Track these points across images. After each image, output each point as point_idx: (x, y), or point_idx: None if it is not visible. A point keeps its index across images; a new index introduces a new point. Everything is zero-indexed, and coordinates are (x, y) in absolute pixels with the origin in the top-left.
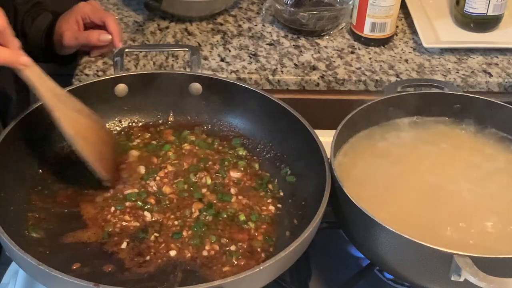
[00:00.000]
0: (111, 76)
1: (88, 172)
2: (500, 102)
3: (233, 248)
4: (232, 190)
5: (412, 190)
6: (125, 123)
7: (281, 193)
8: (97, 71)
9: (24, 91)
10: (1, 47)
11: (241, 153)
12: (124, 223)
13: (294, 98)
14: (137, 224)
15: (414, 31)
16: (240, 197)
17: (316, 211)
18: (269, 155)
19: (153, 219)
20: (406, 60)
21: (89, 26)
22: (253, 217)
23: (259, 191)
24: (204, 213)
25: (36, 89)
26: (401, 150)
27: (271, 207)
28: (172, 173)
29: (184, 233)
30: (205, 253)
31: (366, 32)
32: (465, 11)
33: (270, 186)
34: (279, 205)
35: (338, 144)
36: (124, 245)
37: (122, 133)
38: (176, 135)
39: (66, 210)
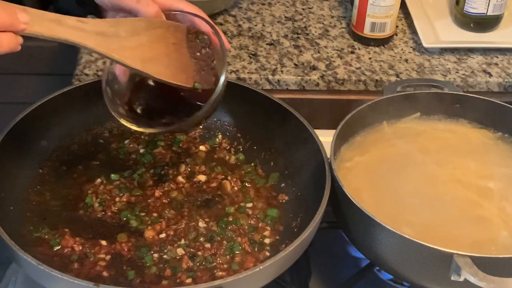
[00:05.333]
0: None
1: (89, 173)
2: (500, 102)
3: (232, 248)
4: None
5: (412, 190)
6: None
7: (281, 193)
8: (97, 71)
9: None
10: None
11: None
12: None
13: (294, 98)
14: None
15: (414, 31)
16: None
17: (316, 211)
18: (268, 154)
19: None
20: (406, 60)
21: None
22: (260, 216)
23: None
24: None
25: (72, 42)
26: (401, 150)
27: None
28: None
29: (182, 241)
30: (204, 253)
31: (366, 32)
32: (465, 11)
33: (270, 186)
34: (279, 205)
35: (338, 144)
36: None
37: (121, 132)
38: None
39: (66, 210)
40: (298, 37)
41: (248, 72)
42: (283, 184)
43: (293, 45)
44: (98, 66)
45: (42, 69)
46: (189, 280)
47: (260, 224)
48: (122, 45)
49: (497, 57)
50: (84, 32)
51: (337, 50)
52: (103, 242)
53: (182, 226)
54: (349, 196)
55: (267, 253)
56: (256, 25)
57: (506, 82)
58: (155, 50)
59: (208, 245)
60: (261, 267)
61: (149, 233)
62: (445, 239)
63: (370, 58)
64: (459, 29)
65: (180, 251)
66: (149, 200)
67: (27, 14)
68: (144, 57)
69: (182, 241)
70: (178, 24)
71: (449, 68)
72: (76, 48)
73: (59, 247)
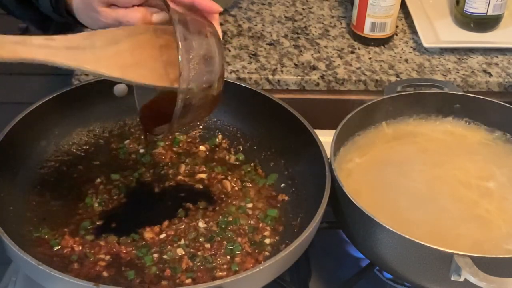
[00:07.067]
0: None
1: (89, 173)
2: (500, 102)
3: (232, 248)
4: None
5: (412, 190)
6: (124, 123)
7: (281, 193)
8: None
9: None
10: None
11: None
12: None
13: (294, 98)
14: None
15: (414, 31)
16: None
17: (316, 211)
18: (268, 154)
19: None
20: (406, 60)
21: None
22: (260, 216)
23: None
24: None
25: (39, 61)
26: (401, 150)
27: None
28: None
29: (182, 241)
30: (204, 253)
31: (366, 32)
32: (465, 11)
33: (270, 186)
34: (279, 205)
35: (338, 144)
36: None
37: (121, 132)
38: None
39: (66, 210)
40: (298, 37)
41: (248, 72)
42: (283, 184)
43: (293, 45)
44: None
45: (42, 69)
46: (189, 281)
47: (260, 224)
48: (97, 56)
49: (497, 57)
50: (52, 49)
51: (337, 50)
52: (103, 242)
53: (182, 226)
54: (349, 196)
55: (267, 253)
56: (256, 25)
57: (506, 82)
58: (139, 55)
59: (208, 245)
60: (261, 267)
61: (149, 234)
62: (445, 239)
63: (370, 58)
64: (459, 29)
65: (180, 251)
66: None
67: None
68: (125, 63)
69: (182, 241)
70: (165, 27)
71: (449, 68)
72: None
73: (59, 247)
